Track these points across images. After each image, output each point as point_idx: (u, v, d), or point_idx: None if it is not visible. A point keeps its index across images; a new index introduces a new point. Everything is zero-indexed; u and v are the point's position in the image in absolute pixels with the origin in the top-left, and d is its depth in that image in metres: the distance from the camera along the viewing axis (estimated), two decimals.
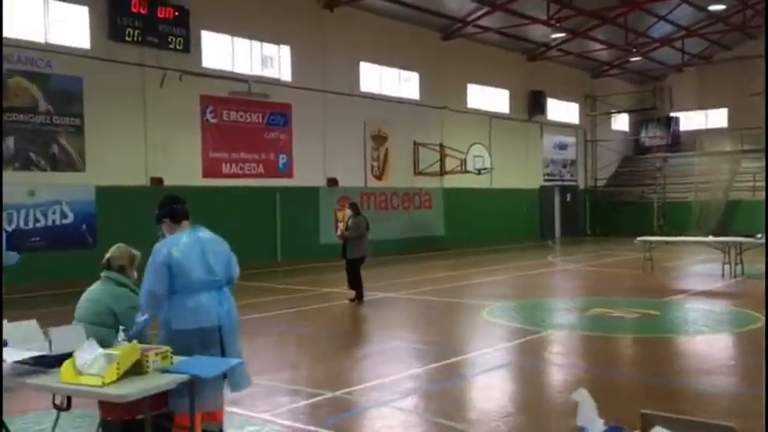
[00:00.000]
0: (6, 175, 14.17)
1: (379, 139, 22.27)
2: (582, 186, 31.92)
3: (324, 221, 20.14)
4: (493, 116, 26.26)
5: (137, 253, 4.89)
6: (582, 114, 31.68)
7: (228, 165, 18.27)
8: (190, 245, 4.55)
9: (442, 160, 23.72)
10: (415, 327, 10.14)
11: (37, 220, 14.60)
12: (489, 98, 26.33)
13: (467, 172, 22.95)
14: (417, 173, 23.40)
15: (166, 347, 3.78)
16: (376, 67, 22.06)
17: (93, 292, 4.71)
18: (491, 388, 6.72)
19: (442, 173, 23.83)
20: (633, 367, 7.62)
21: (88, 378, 3.49)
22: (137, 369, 3.61)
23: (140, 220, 16.48)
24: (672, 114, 33.57)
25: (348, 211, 12.35)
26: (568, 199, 30.49)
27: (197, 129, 17.58)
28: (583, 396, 2.61)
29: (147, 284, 4.41)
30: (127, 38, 15.76)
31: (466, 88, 25.36)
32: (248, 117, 18.68)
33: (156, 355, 3.68)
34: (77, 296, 4.79)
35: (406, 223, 22.70)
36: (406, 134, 22.92)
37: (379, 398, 6.17)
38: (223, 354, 4.34)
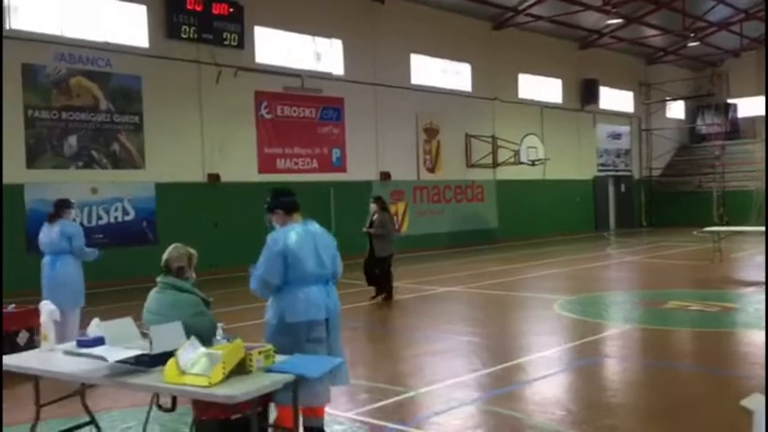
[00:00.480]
0: (70, 173, 14.42)
1: (431, 131, 22.05)
2: (636, 176, 31.19)
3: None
4: (545, 106, 25.80)
5: (194, 252, 4.70)
6: (636, 102, 30.93)
7: (283, 160, 18.28)
8: (304, 236, 4.52)
9: (494, 152, 23.39)
10: (487, 321, 9.89)
11: (100, 218, 14.81)
12: (541, 88, 25.87)
13: (520, 163, 22.59)
14: (470, 165, 23.12)
15: (269, 346, 3.67)
16: (427, 58, 21.83)
17: (155, 304, 4.43)
18: (582, 386, 6.47)
19: (495, 165, 23.50)
20: (739, 365, 7.07)
21: (193, 378, 3.40)
22: (240, 368, 3.51)
23: (198, 217, 16.77)
24: (729, 101, 32.54)
25: (373, 206, 11.55)
26: (623, 189, 29.83)
27: (252, 124, 17.63)
28: (758, 403, 2.29)
29: (262, 273, 4.41)
30: (183, 35, 15.86)
31: (517, 79, 24.95)
32: (302, 112, 18.66)
33: (260, 353, 3.58)
34: (140, 292, 4.73)
35: (458, 216, 22.46)
36: (457, 126, 22.65)
37: (465, 396, 6.01)
38: (328, 347, 4.32)
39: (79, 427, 4.54)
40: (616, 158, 29.92)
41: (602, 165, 29.04)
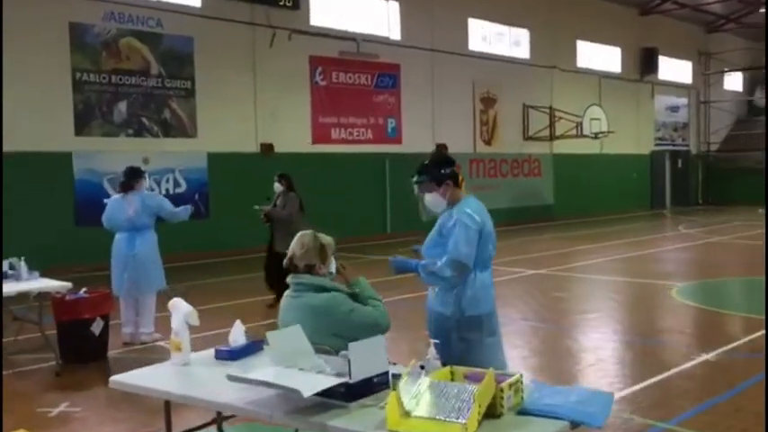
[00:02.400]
0: (120, 141, 13.45)
1: (489, 101, 20.80)
2: (694, 151, 29.71)
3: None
4: (603, 76, 24.35)
5: (327, 241, 3.61)
6: (695, 73, 29.33)
7: (338, 130, 17.17)
8: (486, 213, 3.88)
9: (551, 124, 22.11)
10: (616, 313, 8.71)
11: (151, 189, 13.79)
12: (600, 56, 24.44)
13: (583, 136, 21.29)
14: (527, 137, 21.86)
15: (516, 375, 2.61)
16: (485, 23, 20.52)
17: (291, 312, 3.44)
18: None
19: (552, 137, 22.23)
20: None
21: (432, 426, 2.36)
22: (490, 410, 2.46)
23: (251, 189, 15.72)
24: None
25: (277, 185, 9.06)
26: (679, 165, 28.39)
27: (306, 91, 16.51)
28: None
29: (458, 253, 3.66)
30: None
31: (575, 46, 23.53)
32: (357, 79, 17.50)
33: (510, 387, 2.52)
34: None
35: (514, 191, 21.25)
36: (515, 96, 21.36)
37: (665, 413, 4.94)
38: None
39: None
40: (673, 132, 28.44)
41: (660, 139, 27.60)
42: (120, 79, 13.38)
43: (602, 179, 23.94)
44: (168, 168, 14.08)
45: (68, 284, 6.23)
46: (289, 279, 3.58)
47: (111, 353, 6.67)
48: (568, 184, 22.84)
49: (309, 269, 3.52)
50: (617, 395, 5.21)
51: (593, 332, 7.57)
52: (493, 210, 4.10)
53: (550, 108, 22.14)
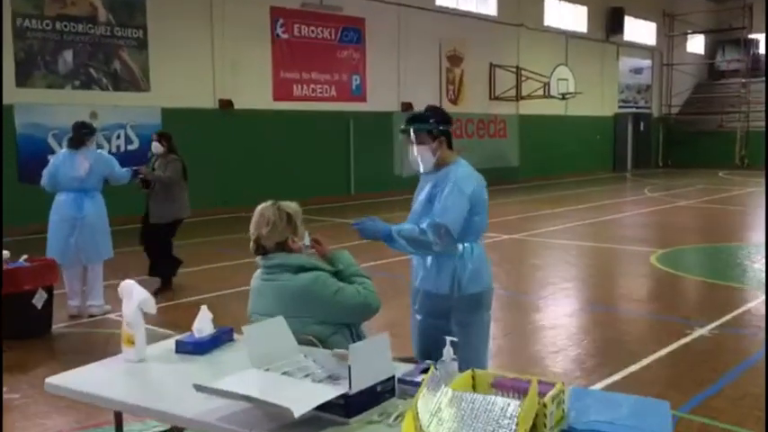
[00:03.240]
0: (66, 93, 12.51)
1: (455, 59, 20.18)
2: (656, 114, 29.64)
3: (398, 150, 18.32)
4: (571, 36, 23.90)
5: (293, 210, 3.02)
6: (659, 35, 29.09)
7: (300, 86, 16.39)
8: (482, 180, 3.44)
9: (518, 84, 21.63)
10: (601, 282, 8.26)
11: (99, 146, 12.85)
12: (567, 15, 23.95)
13: (550, 97, 20.89)
14: (493, 98, 21.36)
15: (558, 384, 2.11)
16: None
17: (268, 299, 2.90)
18: None
19: (518, 98, 21.77)
20: None
21: None
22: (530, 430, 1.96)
23: (209, 148, 14.95)
24: (751, 36, 30.82)
25: (156, 145, 7.58)
26: (641, 128, 28.29)
27: (267, 45, 15.65)
28: None
29: (446, 218, 3.19)
30: None
31: (543, 3, 22.97)
32: (320, 33, 16.68)
33: (553, 401, 2.02)
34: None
35: (481, 153, 20.76)
36: (482, 55, 20.78)
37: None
38: None
39: None
40: (636, 94, 28.28)
41: (623, 101, 27.41)
42: (66, 26, 12.38)
43: (567, 141, 23.67)
44: (119, 124, 13.20)
45: (5, 252, 5.53)
46: (258, 260, 3.02)
47: (56, 327, 6.04)
48: (533, 146, 22.50)
49: (281, 246, 2.97)
50: (618, 376, 4.83)
51: (578, 304, 7.19)
52: None
53: (517, 68, 21.64)
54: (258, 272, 3.04)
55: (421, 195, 3.42)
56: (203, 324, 2.83)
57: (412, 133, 3.36)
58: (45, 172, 6.44)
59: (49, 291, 5.89)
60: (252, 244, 2.99)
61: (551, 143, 23.01)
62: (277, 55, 15.83)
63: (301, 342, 2.65)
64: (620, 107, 27.20)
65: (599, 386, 4.60)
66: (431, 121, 3.37)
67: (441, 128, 3.36)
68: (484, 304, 3.42)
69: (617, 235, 11.52)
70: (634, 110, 28.02)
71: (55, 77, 12.35)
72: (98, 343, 5.66)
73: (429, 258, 3.37)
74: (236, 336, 2.96)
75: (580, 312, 6.87)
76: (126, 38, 13.24)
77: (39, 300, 5.78)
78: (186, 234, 10.59)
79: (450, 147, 3.42)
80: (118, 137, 13.18)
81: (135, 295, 2.64)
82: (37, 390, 4.66)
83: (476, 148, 20.61)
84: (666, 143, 29.74)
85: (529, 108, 22.25)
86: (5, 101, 11.60)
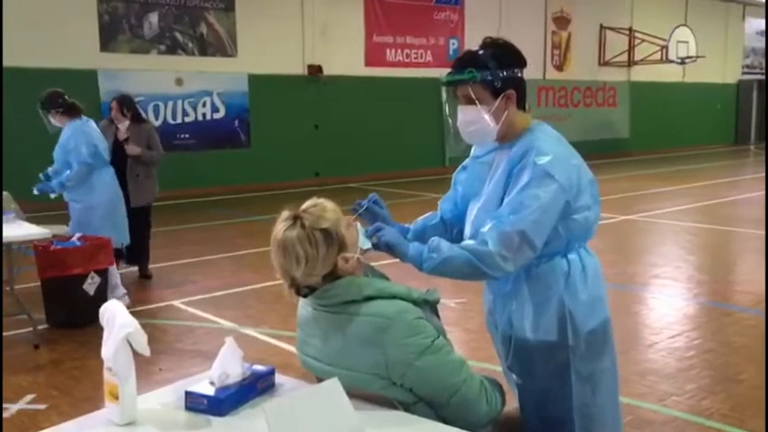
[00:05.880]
0: (151, 59, 12.07)
1: (562, 21, 18.65)
2: None
3: None
4: None
5: (329, 217, 1.93)
6: None
7: (393, 51, 15.44)
8: (578, 155, 2.19)
9: (630, 48, 19.83)
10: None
11: (186, 114, 12.50)
12: None
13: (668, 61, 19.02)
14: (603, 63, 19.69)
15: None
16: None
17: (332, 344, 1.94)
18: None
19: (631, 63, 19.98)
20: None
21: None
22: None
23: (297, 116, 14.29)
24: None
25: (115, 114, 6.25)
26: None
27: (359, 7, 14.76)
28: None
29: (521, 222, 1.99)
30: None
31: None
32: None
33: None
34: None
35: (586, 123, 19.25)
36: (591, 15, 19.13)
37: None
38: None
39: None
40: (763, 60, 25.61)
41: (748, 66, 24.91)
42: None
43: (683, 110, 21.69)
44: (205, 91, 12.68)
45: (47, 232, 4.85)
46: (308, 301, 2.01)
47: None
48: (645, 116, 20.69)
49: (331, 276, 1.94)
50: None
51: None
52: None
53: (630, 29, 19.84)
54: (311, 300, 2.01)
55: (488, 185, 2.22)
56: (227, 363, 1.96)
57: (448, 93, 2.24)
58: (88, 142, 5.57)
59: (103, 276, 5.26)
60: (286, 289, 1.97)
61: (666, 113, 21.11)
62: (369, 18, 14.91)
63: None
64: (744, 73, 24.74)
65: None
66: (490, 65, 2.12)
67: (504, 74, 2.13)
68: (609, 339, 2.26)
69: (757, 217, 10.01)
70: (760, 77, 25.42)
71: (140, 42, 11.92)
72: (164, 339, 4.94)
73: (510, 284, 2.20)
74: (278, 377, 2.08)
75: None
76: (213, 0, 12.65)
77: (91, 285, 5.16)
78: (272, 208, 9.94)
79: (522, 106, 2.20)
80: (203, 104, 12.68)
81: (119, 325, 1.80)
82: (68, 397, 3.99)
83: (581, 118, 19.17)
84: None
85: (641, 74, 20.45)
86: (88, 66, 11.29)
